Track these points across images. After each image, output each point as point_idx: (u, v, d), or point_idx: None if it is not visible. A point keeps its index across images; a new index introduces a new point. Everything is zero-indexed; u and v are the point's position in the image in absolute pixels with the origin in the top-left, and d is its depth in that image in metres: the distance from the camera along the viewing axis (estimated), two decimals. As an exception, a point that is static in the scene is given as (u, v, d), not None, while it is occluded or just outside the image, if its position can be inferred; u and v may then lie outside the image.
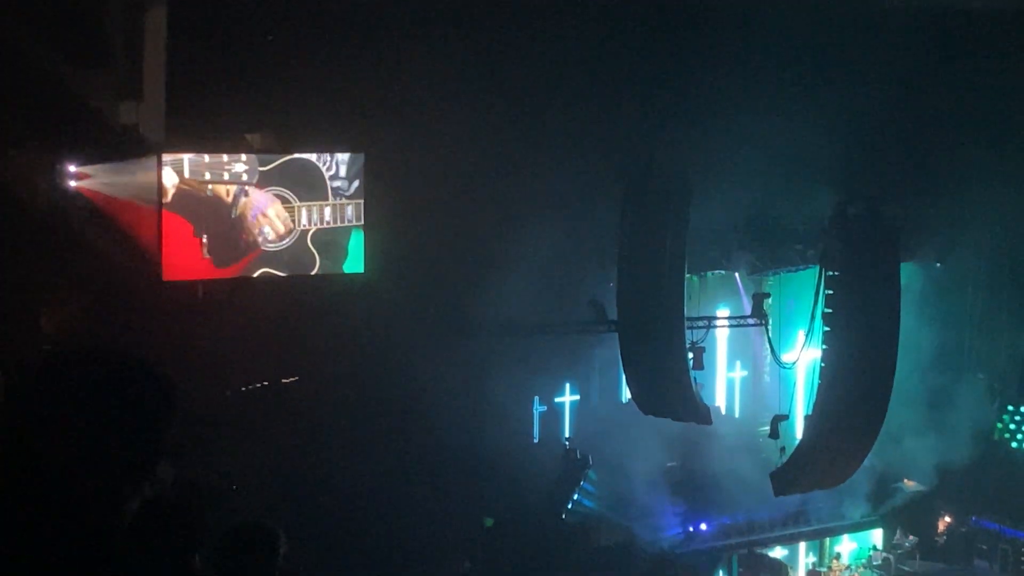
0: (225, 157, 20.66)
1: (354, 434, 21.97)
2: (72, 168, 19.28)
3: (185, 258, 20.42)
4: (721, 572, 26.99)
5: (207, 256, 20.65)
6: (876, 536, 28.84)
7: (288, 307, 21.11)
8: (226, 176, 20.67)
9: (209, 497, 5.12)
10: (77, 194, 19.34)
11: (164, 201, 20.06)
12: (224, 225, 20.78)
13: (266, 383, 21.78)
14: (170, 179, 20.10)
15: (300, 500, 20.16)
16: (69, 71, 18.56)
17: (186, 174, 20.27)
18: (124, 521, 2.91)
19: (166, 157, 20.03)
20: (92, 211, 19.44)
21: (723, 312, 28.62)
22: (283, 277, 21.19)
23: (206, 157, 20.45)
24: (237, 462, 18.91)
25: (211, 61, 19.76)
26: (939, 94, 23.13)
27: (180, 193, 20.22)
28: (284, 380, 21.96)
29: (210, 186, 20.52)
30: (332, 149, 21.36)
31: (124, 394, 2.90)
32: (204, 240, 20.56)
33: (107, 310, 19.11)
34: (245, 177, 20.78)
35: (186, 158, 20.25)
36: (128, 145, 19.66)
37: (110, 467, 2.86)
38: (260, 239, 21.03)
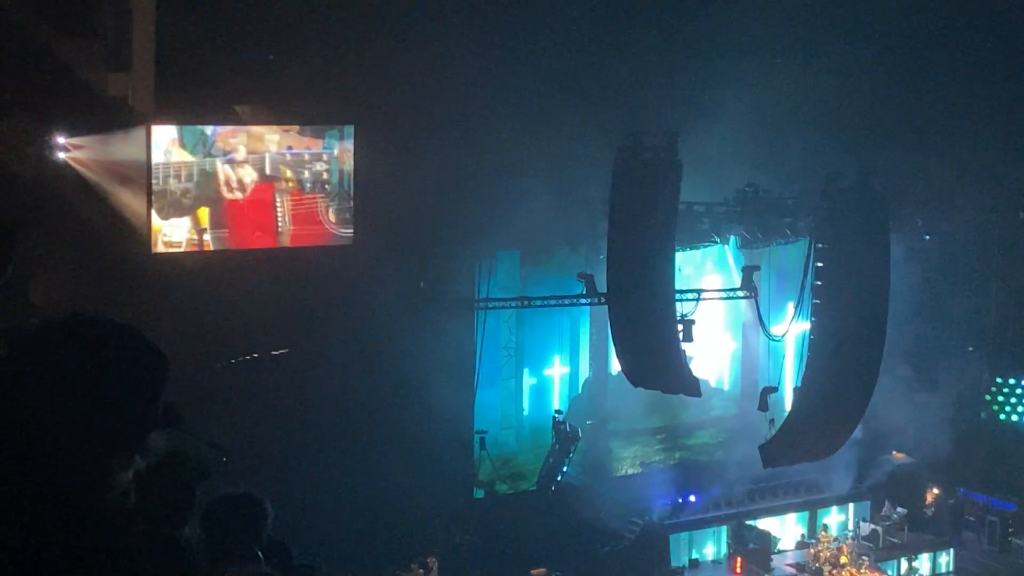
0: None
1: (344, 405, 21.97)
2: (61, 139, 19.20)
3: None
4: (710, 543, 27.10)
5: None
6: (864, 508, 28.91)
7: (278, 279, 21.06)
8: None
9: (199, 469, 5.14)
10: (67, 165, 19.28)
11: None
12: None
13: (256, 355, 21.77)
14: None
15: (291, 472, 20.17)
16: (58, 41, 18.45)
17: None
18: (114, 493, 2.92)
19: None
20: (82, 182, 19.37)
21: (712, 283, 28.63)
22: (271, 250, 21.24)
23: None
24: (227, 434, 18.88)
25: (201, 32, 19.66)
26: (928, 66, 23.14)
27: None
28: (274, 352, 21.94)
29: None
30: (322, 121, 21.31)
31: (114, 366, 2.90)
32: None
33: (97, 281, 19.06)
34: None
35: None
36: (118, 116, 19.58)
37: (100, 439, 2.86)
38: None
